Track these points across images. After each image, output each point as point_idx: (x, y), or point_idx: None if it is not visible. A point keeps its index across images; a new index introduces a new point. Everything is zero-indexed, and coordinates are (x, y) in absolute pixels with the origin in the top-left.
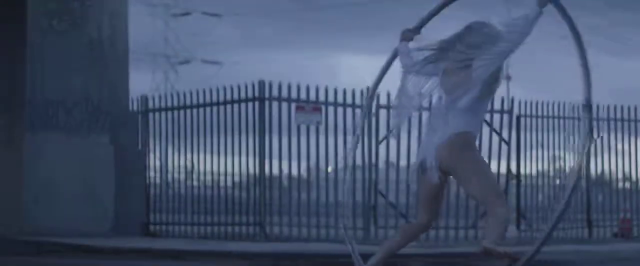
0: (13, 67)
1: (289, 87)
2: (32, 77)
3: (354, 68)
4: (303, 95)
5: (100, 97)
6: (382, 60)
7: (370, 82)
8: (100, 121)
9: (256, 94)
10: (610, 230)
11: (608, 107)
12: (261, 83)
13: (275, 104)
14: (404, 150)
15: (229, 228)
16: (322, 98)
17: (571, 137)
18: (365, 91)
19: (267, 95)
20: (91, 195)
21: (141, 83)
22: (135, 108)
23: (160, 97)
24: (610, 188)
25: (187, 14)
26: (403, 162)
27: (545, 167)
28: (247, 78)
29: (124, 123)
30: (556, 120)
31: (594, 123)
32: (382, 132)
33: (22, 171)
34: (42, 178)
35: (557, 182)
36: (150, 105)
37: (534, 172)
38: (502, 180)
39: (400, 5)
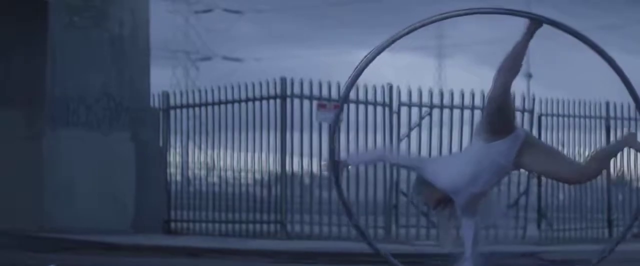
0: (34, 63)
1: (311, 84)
2: (53, 73)
3: (374, 64)
4: (325, 92)
5: (122, 93)
6: (401, 57)
7: (391, 78)
8: (121, 118)
9: (278, 92)
10: (631, 229)
11: (628, 106)
12: (283, 81)
13: (296, 102)
14: (425, 147)
15: (250, 226)
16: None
17: (592, 136)
18: (386, 87)
19: (288, 92)
20: (111, 192)
21: (161, 79)
22: (156, 104)
23: (181, 94)
24: (631, 188)
25: (208, 10)
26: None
27: None
28: (268, 74)
29: (145, 120)
30: (577, 119)
31: (613, 122)
32: (403, 129)
33: (42, 167)
34: (62, 175)
35: None
36: (172, 101)
37: None
38: (523, 179)
39: (418, 3)
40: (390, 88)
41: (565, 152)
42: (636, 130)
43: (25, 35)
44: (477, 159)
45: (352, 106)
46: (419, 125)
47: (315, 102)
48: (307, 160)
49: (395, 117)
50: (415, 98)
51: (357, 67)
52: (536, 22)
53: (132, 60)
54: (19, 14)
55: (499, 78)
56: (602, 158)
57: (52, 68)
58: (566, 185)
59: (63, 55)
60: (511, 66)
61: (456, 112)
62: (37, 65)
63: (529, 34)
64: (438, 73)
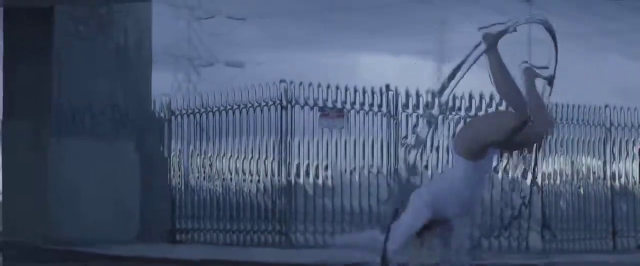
0: (40, 72)
1: (312, 90)
2: (59, 82)
3: (375, 66)
4: (325, 96)
5: (127, 103)
6: (402, 59)
7: (390, 80)
8: (126, 127)
9: (280, 97)
10: (635, 240)
11: (627, 110)
12: (286, 88)
13: (299, 108)
14: (426, 151)
15: (255, 235)
16: (344, 98)
17: (596, 143)
18: (384, 91)
19: (291, 97)
20: (117, 201)
21: (163, 83)
22: (157, 110)
23: (183, 100)
24: (634, 198)
25: (211, 17)
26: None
27: (569, 174)
28: (270, 78)
29: (149, 128)
30: (580, 126)
31: (615, 129)
32: (404, 133)
33: (47, 177)
34: (68, 184)
35: (581, 190)
36: (174, 109)
37: (557, 180)
38: (526, 188)
39: (418, 7)
40: (395, 94)
41: (563, 157)
42: (637, 136)
43: (31, 45)
44: (473, 181)
45: (353, 111)
46: (423, 137)
47: (317, 109)
48: (311, 168)
49: (396, 122)
50: (416, 102)
51: (453, 75)
52: (489, 37)
53: (136, 68)
54: (25, 24)
55: (512, 99)
56: (515, 93)
57: (58, 78)
58: (568, 194)
59: (68, 64)
60: (504, 82)
61: (458, 115)
62: (42, 75)
63: (490, 47)
64: (437, 77)
